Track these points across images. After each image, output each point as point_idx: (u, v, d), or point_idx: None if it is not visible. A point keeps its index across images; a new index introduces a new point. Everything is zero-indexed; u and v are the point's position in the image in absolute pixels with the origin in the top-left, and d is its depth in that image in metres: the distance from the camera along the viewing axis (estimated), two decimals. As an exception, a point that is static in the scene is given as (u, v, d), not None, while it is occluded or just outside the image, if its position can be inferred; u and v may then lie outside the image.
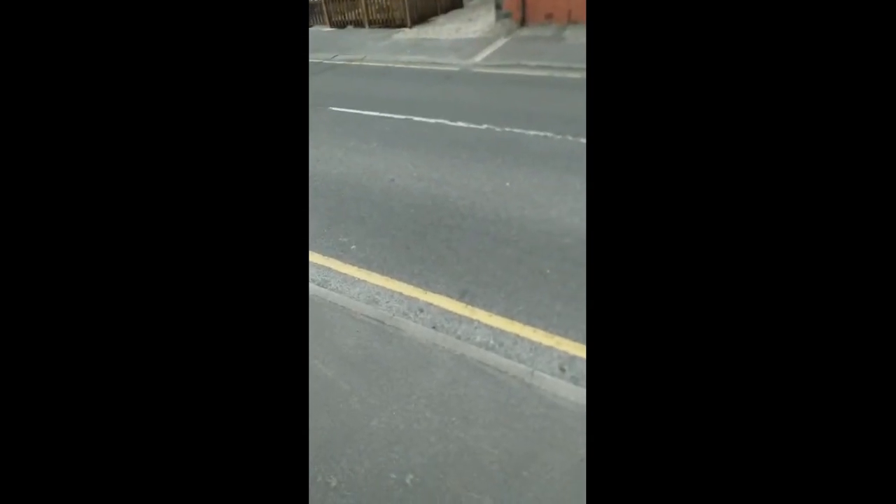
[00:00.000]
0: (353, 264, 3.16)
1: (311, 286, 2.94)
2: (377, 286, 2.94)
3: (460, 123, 5.15)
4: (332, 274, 3.09)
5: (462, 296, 2.79)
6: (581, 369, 2.30)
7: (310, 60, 8.83)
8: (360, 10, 11.11)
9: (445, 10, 11.88)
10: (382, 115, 5.65)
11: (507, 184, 3.88)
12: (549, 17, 8.98)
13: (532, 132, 4.75)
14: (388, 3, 10.72)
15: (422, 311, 2.73)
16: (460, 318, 2.65)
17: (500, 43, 8.31)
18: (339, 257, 3.23)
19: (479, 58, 7.63)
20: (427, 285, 2.90)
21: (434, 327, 2.60)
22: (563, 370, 2.31)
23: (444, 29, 10.10)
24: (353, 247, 3.33)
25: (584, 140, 4.46)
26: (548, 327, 2.54)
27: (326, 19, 11.64)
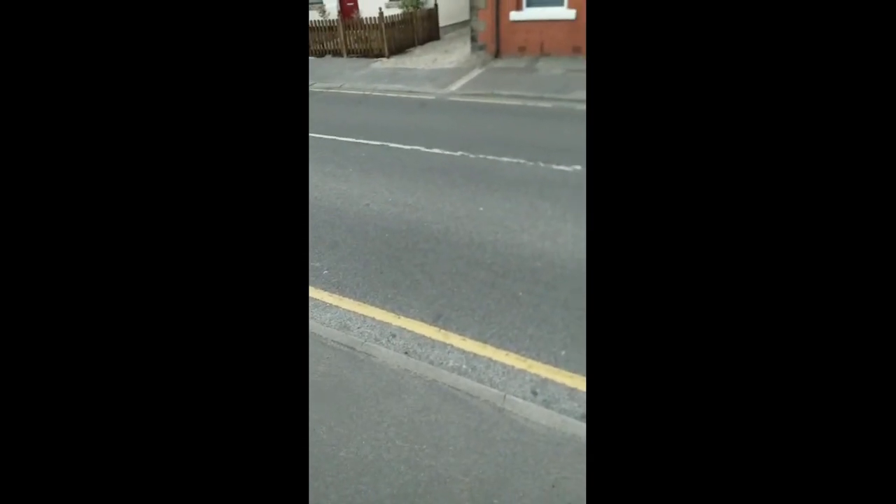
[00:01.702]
0: (326, 289, 3.12)
1: (282, 312, 2.88)
2: (349, 311, 2.91)
3: (436, 150, 5.24)
4: (303, 299, 3.05)
5: (435, 320, 2.78)
6: (552, 392, 2.31)
7: (288, 87, 8.90)
8: (338, 39, 11.36)
9: (422, 42, 12.25)
10: (359, 141, 5.71)
11: (481, 209, 3.94)
12: (521, 49, 9.35)
13: (505, 159, 4.87)
14: (367, 34, 11.00)
15: (394, 336, 2.70)
16: (433, 343, 2.63)
17: (475, 73, 8.59)
18: (311, 282, 3.19)
19: (454, 87, 7.85)
20: (400, 310, 2.88)
21: (406, 353, 2.57)
22: (535, 393, 2.31)
23: (421, 59, 10.39)
24: (326, 272, 3.30)
25: (555, 166, 4.60)
26: (520, 350, 2.55)
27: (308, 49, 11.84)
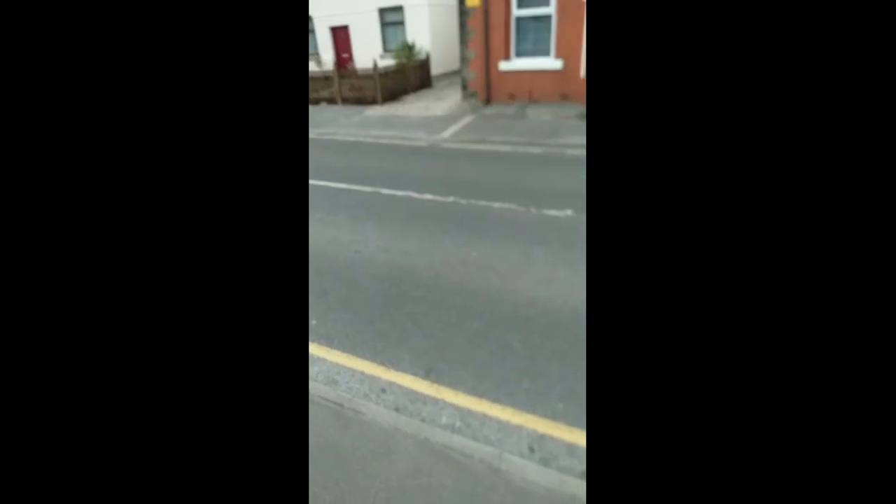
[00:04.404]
0: (313, 341, 3.03)
1: (268, 366, 2.78)
2: (337, 365, 2.81)
3: (427, 196, 5.30)
4: (290, 352, 2.95)
5: (427, 373, 2.69)
6: (550, 448, 2.20)
7: (282, 134, 9.10)
8: (334, 88, 11.75)
9: (415, 89, 12.72)
10: (350, 187, 5.77)
11: (473, 255, 3.93)
12: (511, 96, 9.72)
13: (497, 204, 4.92)
14: (361, 82, 11.41)
15: (384, 391, 2.59)
16: (425, 399, 2.52)
17: (467, 120, 8.86)
18: (299, 333, 3.10)
19: (446, 133, 8.06)
20: (390, 363, 2.79)
21: (397, 409, 2.46)
22: (532, 450, 2.20)
23: (414, 107, 10.74)
24: (314, 322, 3.22)
25: (546, 212, 4.65)
26: (516, 405, 2.45)
27: (301, 96, 12.22)
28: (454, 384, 2.60)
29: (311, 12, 14.63)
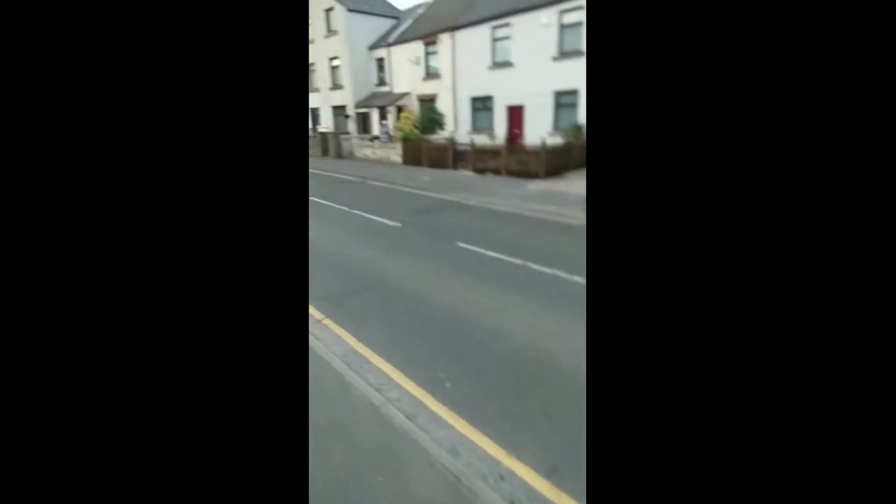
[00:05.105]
0: (445, 404, 3.14)
1: (400, 416, 2.97)
2: (462, 435, 2.85)
3: (575, 278, 5.19)
4: (422, 409, 3.11)
5: (550, 473, 2.54)
6: None
7: (448, 199, 10.06)
8: (500, 160, 12.66)
9: (578, 167, 12.86)
10: (503, 257, 6.00)
11: (619, 351, 3.66)
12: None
13: (653, 299, 4.54)
14: (527, 156, 12.06)
15: (503, 478, 2.52)
16: (544, 501, 2.37)
17: (629, 203, 8.53)
18: (432, 392, 3.27)
19: (605, 215, 7.87)
20: (513, 449, 2.72)
21: (513, 503, 2.36)
22: None
23: (574, 183, 10.83)
24: (448, 384, 3.35)
25: (712, 318, 4.10)
26: (648, 544, 2.12)
27: (471, 166, 13.45)
28: (578, 494, 2.39)
29: (491, 92, 16.28)
